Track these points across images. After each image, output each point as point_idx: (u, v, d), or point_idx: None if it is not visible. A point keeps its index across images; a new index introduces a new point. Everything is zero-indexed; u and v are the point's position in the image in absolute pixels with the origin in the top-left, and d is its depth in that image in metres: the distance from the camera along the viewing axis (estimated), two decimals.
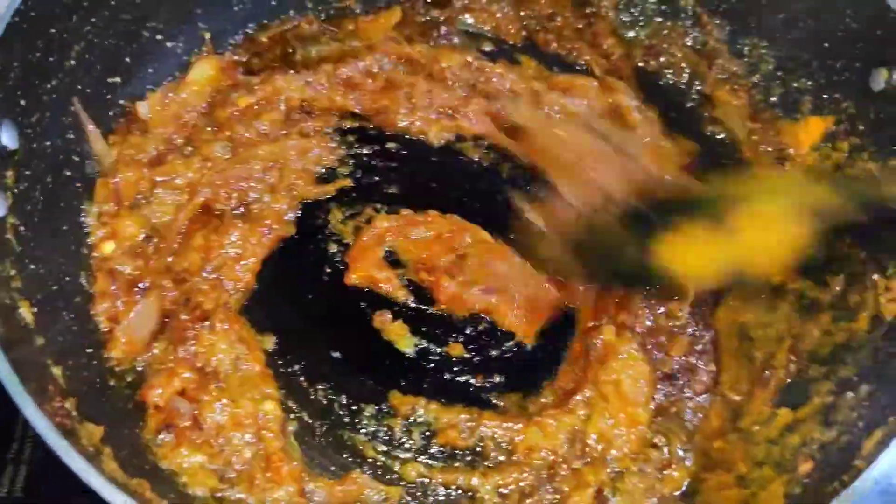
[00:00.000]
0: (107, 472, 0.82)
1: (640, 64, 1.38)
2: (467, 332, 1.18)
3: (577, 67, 1.39)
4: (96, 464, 0.81)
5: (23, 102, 1.04)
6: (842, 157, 1.18)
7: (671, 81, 1.38)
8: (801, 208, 0.99)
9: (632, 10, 1.40)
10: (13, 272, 0.96)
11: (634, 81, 1.36)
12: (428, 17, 1.41)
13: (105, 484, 0.76)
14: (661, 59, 1.38)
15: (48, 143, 1.09)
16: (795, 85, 1.26)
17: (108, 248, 1.14)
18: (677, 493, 1.06)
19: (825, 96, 1.22)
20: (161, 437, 1.00)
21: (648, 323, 1.16)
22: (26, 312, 0.95)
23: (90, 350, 1.04)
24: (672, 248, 1.06)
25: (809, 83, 1.24)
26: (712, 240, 1.03)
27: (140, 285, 1.13)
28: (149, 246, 1.16)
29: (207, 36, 1.34)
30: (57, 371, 0.94)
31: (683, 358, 1.15)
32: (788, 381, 1.09)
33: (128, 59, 1.24)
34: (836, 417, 0.98)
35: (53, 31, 1.08)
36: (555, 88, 1.35)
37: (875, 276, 1.04)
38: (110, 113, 1.22)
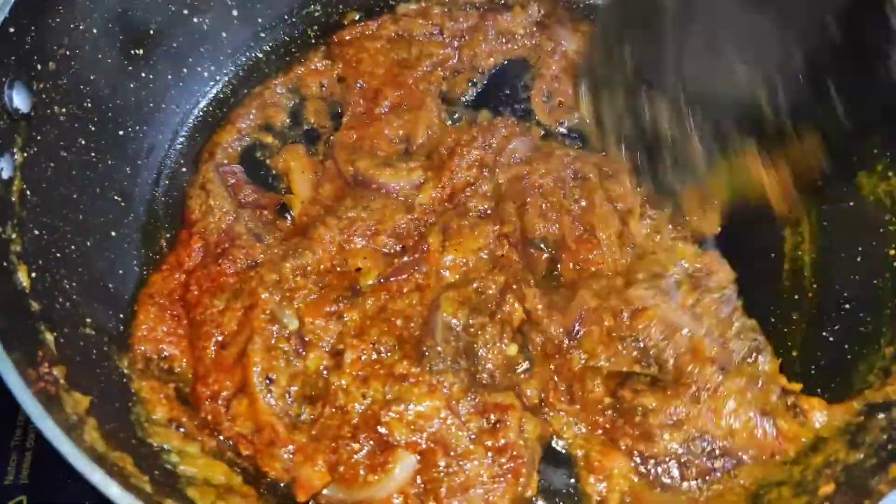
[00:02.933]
0: (87, 441, 0.80)
1: None
2: None
3: None
4: (76, 434, 0.78)
5: (38, 67, 1.03)
6: None
7: None
8: None
9: None
10: (13, 235, 0.94)
11: None
12: None
13: (77, 453, 0.73)
14: None
15: (63, 109, 1.07)
16: None
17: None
18: None
19: None
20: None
21: None
22: (23, 277, 0.93)
23: (89, 320, 1.01)
24: None
25: None
26: None
27: None
28: None
29: (235, 13, 1.32)
30: (49, 337, 0.91)
31: None
32: None
33: (151, 32, 1.22)
34: (864, 439, 0.91)
35: None
36: None
37: None
38: (131, 85, 1.20)
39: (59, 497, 1.05)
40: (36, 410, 0.75)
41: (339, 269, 1.11)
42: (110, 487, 0.72)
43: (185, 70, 1.28)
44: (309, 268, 1.10)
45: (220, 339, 1.06)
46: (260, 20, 1.36)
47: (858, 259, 1.09)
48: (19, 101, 0.99)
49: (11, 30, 0.97)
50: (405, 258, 1.11)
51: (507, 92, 1.32)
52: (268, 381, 1.01)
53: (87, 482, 1.03)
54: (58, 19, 1.05)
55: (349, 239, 1.12)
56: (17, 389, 0.76)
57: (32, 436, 1.09)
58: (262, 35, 1.36)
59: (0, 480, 1.06)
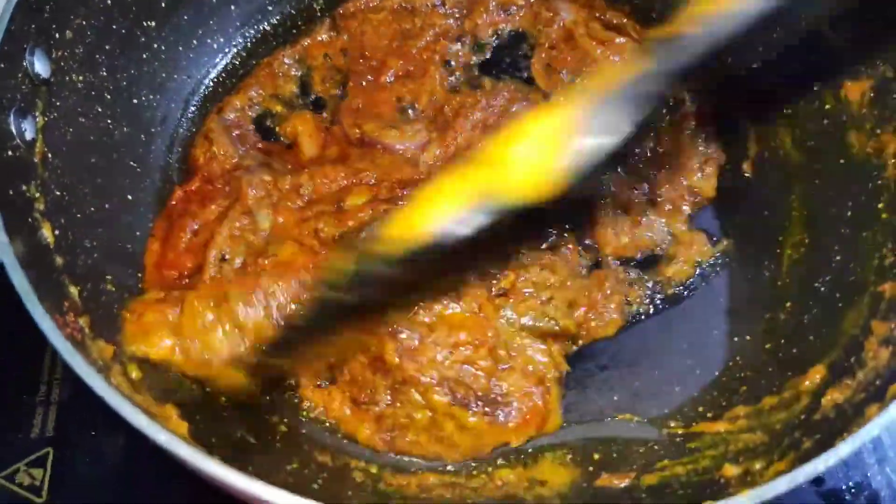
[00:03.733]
0: (113, 384, 0.84)
1: None
2: None
3: None
4: (105, 375, 0.82)
5: (57, 35, 1.07)
6: None
7: None
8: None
9: None
10: (37, 195, 0.98)
11: None
12: None
13: (107, 388, 0.77)
14: None
15: (81, 77, 1.11)
16: None
17: None
18: None
19: None
20: None
21: None
22: (48, 233, 0.97)
23: (109, 276, 1.06)
24: None
25: None
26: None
27: None
28: None
29: None
30: (73, 290, 0.95)
31: None
32: None
33: (163, 4, 1.26)
34: None
35: None
36: (594, 38, 1.34)
37: None
38: (144, 55, 1.24)
39: (83, 449, 1.09)
40: (66, 350, 0.79)
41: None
42: (139, 417, 0.75)
43: (195, 42, 1.32)
44: (303, 189, 1.14)
45: (195, 227, 1.11)
46: None
47: (849, 213, 1.13)
48: (40, 66, 1.03)
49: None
50: (404, 191, 1.16)
51: (508, 61, 1.37)
52: (222, 258, 1.06)
53: (110, 434, 1.10)
54: None
55: (352, 185, 1.16)
56: (50, 332, 0.80)
57: (57, 390, 1.13)
58: (269, 8, 1.40)
59: (27, 434, 1.10)
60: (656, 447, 1.04)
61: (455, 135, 1.23)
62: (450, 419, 1.03)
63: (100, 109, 1.16)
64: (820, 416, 0.93)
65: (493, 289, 1.09)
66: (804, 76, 1.24)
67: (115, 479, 1.09)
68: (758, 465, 0.91)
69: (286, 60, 1.35)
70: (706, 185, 1.23)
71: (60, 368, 1.16)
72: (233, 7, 1.36)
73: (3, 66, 0.95)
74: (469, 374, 1.03)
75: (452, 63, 1.35)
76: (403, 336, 1.03)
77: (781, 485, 0.75)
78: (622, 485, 0.99)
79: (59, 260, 0.97)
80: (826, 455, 0.75)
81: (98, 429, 1.11)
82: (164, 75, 1.28)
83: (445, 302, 1.05)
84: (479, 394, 1.03)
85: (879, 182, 1.10)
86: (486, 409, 1.03)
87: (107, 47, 1.17)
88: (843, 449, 0.75)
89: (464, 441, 1.03)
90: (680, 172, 1.23)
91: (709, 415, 1.06)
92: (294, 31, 1.40)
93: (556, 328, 1.09)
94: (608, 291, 1.14)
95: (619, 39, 1.33)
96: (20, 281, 0.83)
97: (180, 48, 1.30)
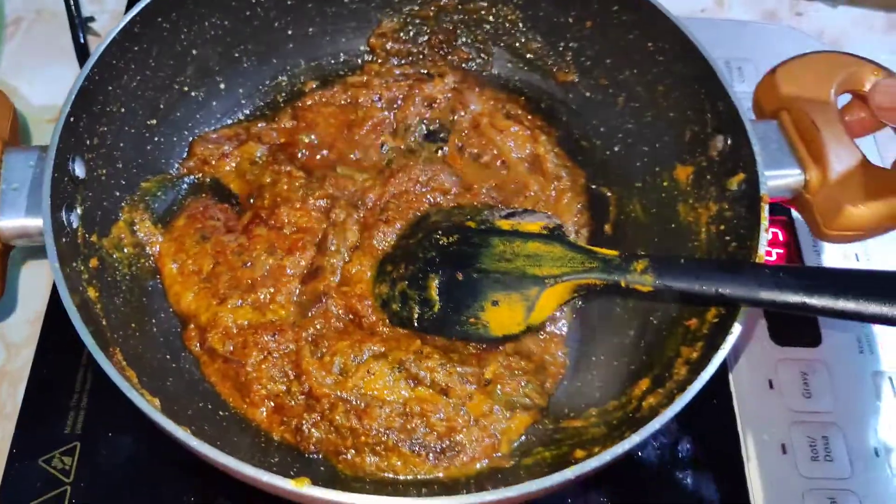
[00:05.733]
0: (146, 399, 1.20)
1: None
2: None
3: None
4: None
5: (88, 142, 1.42)
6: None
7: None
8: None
9: None
10: (81, 267, 1.34)
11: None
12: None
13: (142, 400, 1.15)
14: None
15: (104, 171, 1.47)
16: None
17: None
18: None
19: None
20: None
21: None
22: (92, 295, 1.33)
23: (134, 325, 1.42)
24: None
25: None
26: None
27: None
28: None
29: (222, 86, 1.73)
30: (113, 337, 1.33)
31: None
32: None
33: (161, 106, 1.62)
34: None
35: (110, 88, 1.46)
36: (495, 126, 1.74)
37: None
38: (148, 147, 1.61)
39: (103, 445, 1.46)
40: (116, 376, 1.15)
41: None
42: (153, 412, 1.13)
43: (185, 132, 1.68)
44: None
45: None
46: (241, 90, 1.75)
47: None
48: (79, 170, 1.37)
49: (72, 119, 1.34)
50: None
51: (431, 143, 1.75)
52: None
53: (123, 435, 1.46)
54: (99, 106, 1.42)
55: None
56: (106, 367, 1.16)
57: (86, 399, 1.50)
58: (243, 101, 1.75)
59: (62, 429, 1.47)
60: (533, 438, 1.43)
61: (391, 184, 1.62)
62: (395, 455, 1.30)
63: (117, 194, 1.52)
64: (640, 415, 1.34)
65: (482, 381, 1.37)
66: (651, 159, 1.67)
67: (127, 468, 1.45)
68: (596, 450, 1.30)
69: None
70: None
71: (90, 382, 1.52)
72: (215, 103, 1.72)
73: (56, 175, 1.30)
74: (421, 431, 1.31)
75: (388, 146, 1.73)
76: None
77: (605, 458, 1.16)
78: (509, 466, 1.39)
79: (101, 315, 1.34)
80: (623, 443, 1.15)
81: (114, 431, 1.48)
82: (163, 161, 1.64)
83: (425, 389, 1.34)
84: (430, 444, 1.30)
85: (695, 243, 1.52)
86: (435, 457, 1.30)
87: (121, 145, 1.51)
88: (634, 439, 1.16)
89: (405, 470, 1.30)
90: None
91: (571, 414, 1.44)
92: (262, 119, 1.77)
93: (530, 404, 1.39)
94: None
95: (514, 128, 1.73)
96: (84, 335, 1.19)
97: (174, 139, 1.66)
